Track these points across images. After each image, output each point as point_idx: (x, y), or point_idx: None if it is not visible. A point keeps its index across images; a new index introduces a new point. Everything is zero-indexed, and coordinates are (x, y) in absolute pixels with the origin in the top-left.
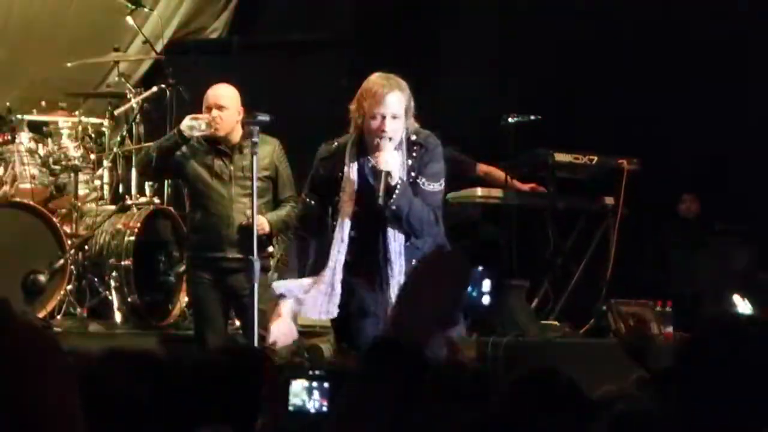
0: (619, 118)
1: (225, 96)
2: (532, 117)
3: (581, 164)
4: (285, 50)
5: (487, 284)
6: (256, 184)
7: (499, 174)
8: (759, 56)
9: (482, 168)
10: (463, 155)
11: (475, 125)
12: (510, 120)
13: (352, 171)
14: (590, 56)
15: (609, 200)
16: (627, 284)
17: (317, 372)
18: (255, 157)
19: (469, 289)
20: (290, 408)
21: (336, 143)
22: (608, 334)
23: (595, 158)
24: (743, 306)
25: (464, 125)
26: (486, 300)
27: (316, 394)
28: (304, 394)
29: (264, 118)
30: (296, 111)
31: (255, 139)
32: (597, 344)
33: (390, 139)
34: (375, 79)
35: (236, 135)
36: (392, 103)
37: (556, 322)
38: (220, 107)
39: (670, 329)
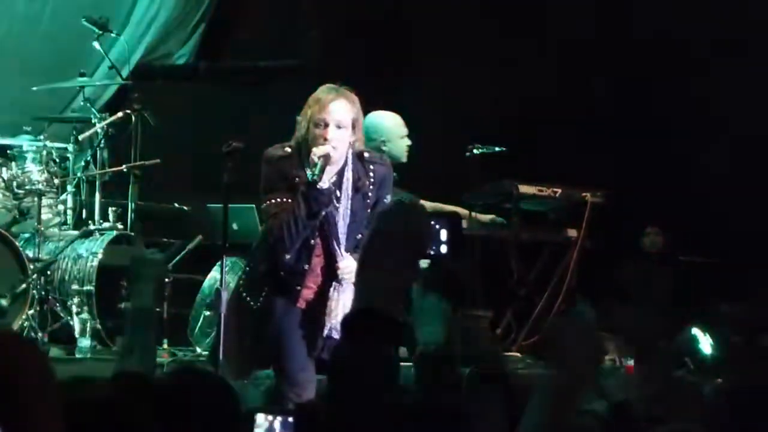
0: (584, 150)
1: None
2: (497, 148)
3: (546, 196)
4: (252, 77)
5: (444, 234)
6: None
7: (462, 213)
8: (726, 88)
9: (446, 209)
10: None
11: (438, 157)
12: (475, 151)
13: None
14: (557, 87)
15: (572, 232)
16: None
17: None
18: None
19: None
20: None
21: (287, 148)
22: None
23: (560, 190)
24: (704, 341)
25: (429, 157)
26: (444, 249)
27: (278, 428)
28: (266, 426)
29: (239, 145)
30: (262, 138)
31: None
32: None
33: (333, 148)
34: (322, 88)
35: None
36: (337, 111)
37: (518, 354)
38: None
39: (630, 362)
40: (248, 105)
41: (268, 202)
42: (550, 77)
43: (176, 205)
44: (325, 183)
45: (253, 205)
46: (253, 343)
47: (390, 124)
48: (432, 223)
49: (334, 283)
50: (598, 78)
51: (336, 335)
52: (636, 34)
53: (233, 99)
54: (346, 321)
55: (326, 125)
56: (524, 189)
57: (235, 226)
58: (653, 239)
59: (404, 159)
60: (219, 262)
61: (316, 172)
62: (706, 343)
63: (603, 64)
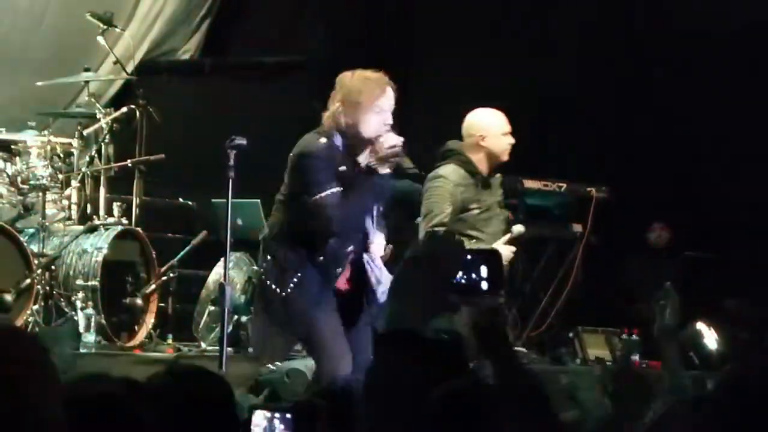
0: (590, 145)
1: None
2: None
3: (550, 191)
4: (257, 72)
5: (484, 270)
6: None
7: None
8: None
9: None
10: None
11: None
12: None
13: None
14: (562, 82)
15: (578, 227)
16: (596, 312)
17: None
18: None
19: (466, 274)
20: None
21: (323, 138)
22: (574, 361)
23: (564, 185)
24: (709, 335)
25: (435, 152)
26: (484, 285)
27: (277, 425)
28: (265, 425)
29: (241, 141)
30: (268, 133)
31: (231, 162)
32: (563, 371)
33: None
34: (368, 74)
35: None
36: (392, 96)
37: (524, 349)
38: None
39: (636, 357)
40: (253, 101)
41: (321, 195)
42: (556, 72)
43: (181, 200)
44: (386, 169)
45: (258, 201)
46: (282, 329)
47: (490, 120)
48: (470, 257)
49: (365, 257)
50: (603, 72)
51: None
52: (638, 27)
53: (238, 95)
54: (379, 344)
55: (384, 111)
56: (529, 184)
57: (239, 222)
58: (659, 234)
59: (505, 157)
60: (223, 258)
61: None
62: (711, 338)
63: (607, 59)
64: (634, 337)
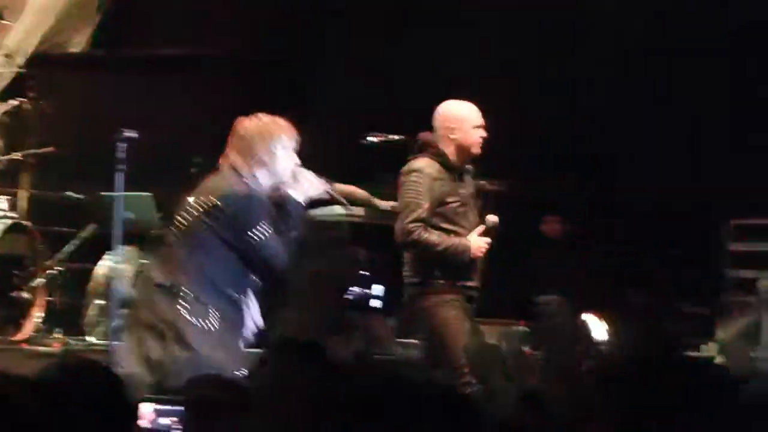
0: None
1: None
2: (397, 137)
3: None
4: (151, 66)
5: (379, 289)
6: None
7: (360, 194)
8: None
9: (342, 188)
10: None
11: (339, 146)
12: (374, 140)
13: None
14: (454, 74)
15: None
16: (494, 304)
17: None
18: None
19: (360, 291)
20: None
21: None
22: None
23: None
24: (597, 326)
25: (330, 146)
26: (375, 303)
27: (165, 417)
28: (152, 416)
29: (132, 134)
30: (162, 127)
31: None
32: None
33: None
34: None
35: None
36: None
37: (415, 341)
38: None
39: (527, 348)
40: (147, 94)
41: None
42: (450, 64)
43: (71, 193)
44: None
45: (150, 194)
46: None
47: (460, 113)
48: (368, 274)
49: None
50: (500, 64)
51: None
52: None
53: (131, 88)
54: (271, 350)
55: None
56: None
57: (130, 215)
58: (551, 227)
59: (476, 150)
60: (111, 251)
61: None
62: (602, 329)
63: (505, 55)
64: (523, 328)
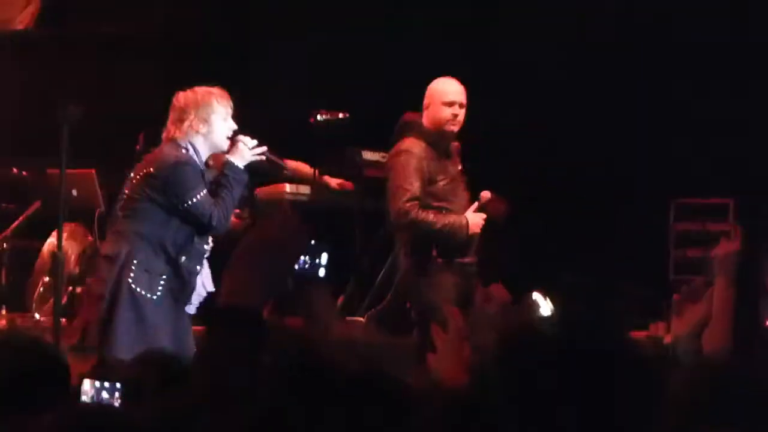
0: None
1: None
2: (341, 115)
3: None
4: (93, 44)
5: (324, 257)
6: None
7: (306, 170)
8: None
9: (289, 164)
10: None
11: (284, 123)
12: (319, 118)
13: None
14: (399, 53)
15: None
16: None
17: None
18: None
19: (306, 260)
20: None
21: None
22: (411, 332)
23: None
24: (545, 305)
25: (275, 124)
26: (321, 272)
27: (105, 393)
28: (92, 393)
29: (75, 111)
30: (104, 105)
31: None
32: (401, 343)
33: None
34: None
35: None
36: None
37: (362, 319)
38: (462, 106)
39: None
40: (89, 72)
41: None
42: (397, 44)
43: (14, 170)
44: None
45: (93, 171)
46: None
47: (434, 89)
48: (314, 243)
49: None
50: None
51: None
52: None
53: (74, 66)
54: (211, 316)
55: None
56: (368, 156)
57: (74, 192)
58: (494, 206)
59: (449, 127)
60: (57, 229)
61: None
62: (546, 308)
63: (458, 39)
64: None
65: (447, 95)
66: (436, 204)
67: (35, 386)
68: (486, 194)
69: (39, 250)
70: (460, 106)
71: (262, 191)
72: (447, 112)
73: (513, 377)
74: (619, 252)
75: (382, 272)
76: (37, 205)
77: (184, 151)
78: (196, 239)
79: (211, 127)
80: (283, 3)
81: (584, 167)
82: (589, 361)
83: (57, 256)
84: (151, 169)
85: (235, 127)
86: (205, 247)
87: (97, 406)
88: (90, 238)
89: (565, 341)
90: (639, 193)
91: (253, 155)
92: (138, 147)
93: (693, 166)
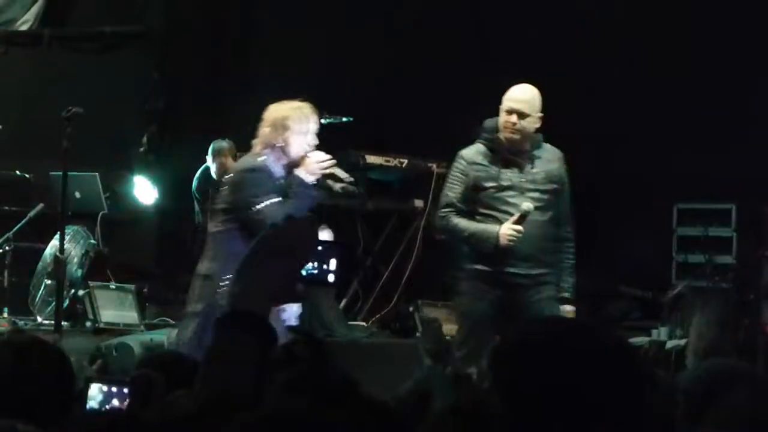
0: (432, 120)
1: (527, 101)
2: (344, 118)
3: (392, 166)
4: (96, 43)
5: (333, 263)
6: None
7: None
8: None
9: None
10: None
11: None
12: (323, 121)
13: None
14: (401, 58)
15: (419, 202)
16: (436, 285)
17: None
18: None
19: (316, 265)
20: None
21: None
22: (414, 334)
23: (406, 161)
24: None
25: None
26: (331, 278)
27: (114, 398)
28: (101, 398)
29: (78, 110)
30: (107, 105)
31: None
32: (403, 344)
33: None
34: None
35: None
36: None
37: (364, 323)
38: (523, 115)
39: None
40: (92, 72)
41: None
42: (398, 48)
43: (18, 172)
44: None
45: (96, 174)
46: None
47: (506, 94)
48: (324, 247)
49: None
50: (445, 48)
51: None
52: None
53: (77, 66)
54: (221, 320)
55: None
56: (371, 159)
57: (77, 195)
58: None
59: (505, 135)
60: (60, 231)
61: None
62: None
63: (437, 34)
64: None
65: (505, 102)
66: (482, 211)
67: (40, 388)
68: (527, 205)
69: (41, 252)
70: (519, 114)
71: None
72: (503, 119)
73: (505, 382)
74: (622, 256)
75: (385, 274)
76: (40, 206)
77: (260, 159)
78: None
79: (288, 141)
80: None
81: (588, 172)
82: (583, 363)
83: (59, 258)
84: (229, 176)
85: (315, 143)
86: None
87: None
88: (92, 240)
89: (557, 343)
90: (642, 197)
91: (321, 169)
92: (140, 149)
93: (696, 171)
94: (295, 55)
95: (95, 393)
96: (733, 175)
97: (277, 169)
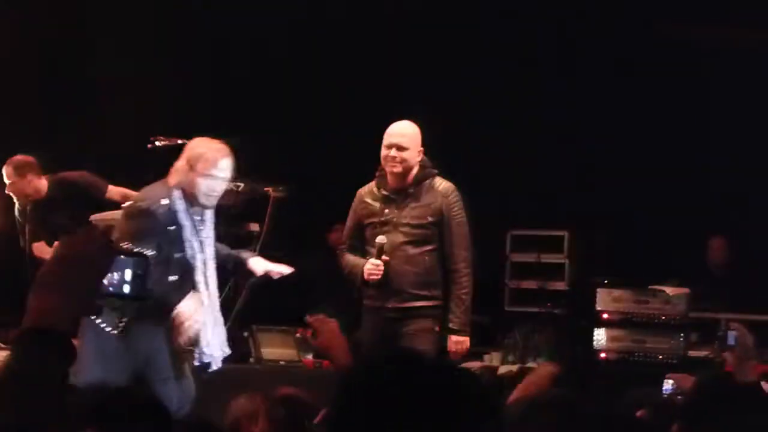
0: (269, 144)
1: (406, 135)
2: (180, 141)
3: (228, 190)
4: None
5: (128, 274)
6: None
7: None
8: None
9: (114, 191)
10: (94, 177)
11: (125, 149)
12: (157, 144)
13: None
14: (247, 82)
15: (254, 226)
16: (271, 310)
17: None
18: None
19: (115, 276)
20: None
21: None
22: (248, 359)
23: (242, 184)
24: None
25: (116, 148)
26: (126, 289)
27: None
28: None
29: None
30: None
31: None
32: (238, 369)
33: None
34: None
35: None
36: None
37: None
38: (401, 148)
39: (309, 356)
40: None
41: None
42: (238, 72)
43: None
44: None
45: None
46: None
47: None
48: (121, 257)
49: None
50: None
51: None
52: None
53: None
54: (18, 338)
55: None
56: None
57: None
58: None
59: (388, 168)
60: None
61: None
62: None
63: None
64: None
65: (385, 137)
66: (367, 247)
67: None
68: (380, 240)
69: None
70: (398, 148)
71: (96, 218)
72: (383, 153)
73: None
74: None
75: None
76: None
77: (167, 193)
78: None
79: (193, 181)
80: (121, 22)
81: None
82: (423, 392)
83: None
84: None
85: (218, 189)
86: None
87: None
88: None
89: (398, 375)
90: (476, 224)
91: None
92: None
93: (529, 198)
94: (136, 80)
95: None
96: (565, 202)
97: (184, 204)
